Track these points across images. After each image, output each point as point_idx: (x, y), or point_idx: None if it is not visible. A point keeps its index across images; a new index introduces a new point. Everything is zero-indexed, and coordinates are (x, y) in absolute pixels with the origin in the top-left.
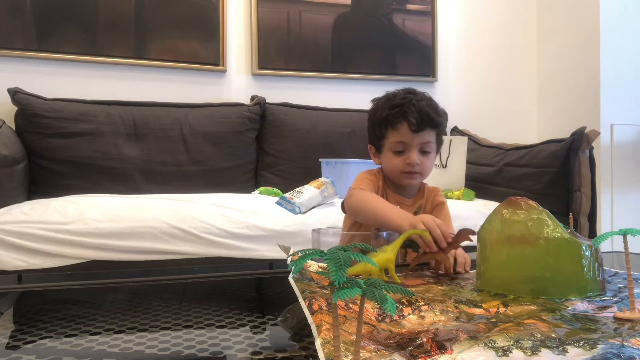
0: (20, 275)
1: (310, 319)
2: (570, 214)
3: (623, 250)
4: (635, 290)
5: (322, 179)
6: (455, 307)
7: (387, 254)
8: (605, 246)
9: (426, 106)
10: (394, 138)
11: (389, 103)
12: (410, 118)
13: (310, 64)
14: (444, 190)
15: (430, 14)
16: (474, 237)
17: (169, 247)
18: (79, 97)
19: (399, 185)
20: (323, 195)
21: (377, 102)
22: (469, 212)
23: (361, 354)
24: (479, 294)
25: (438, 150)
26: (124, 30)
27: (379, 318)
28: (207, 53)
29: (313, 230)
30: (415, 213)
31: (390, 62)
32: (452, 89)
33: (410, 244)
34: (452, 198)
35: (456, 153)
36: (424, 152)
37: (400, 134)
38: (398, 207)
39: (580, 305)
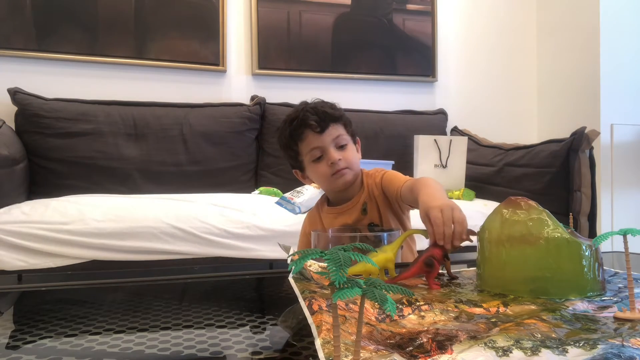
0: (20, 275)
1: (310, 319)
2: (570, 214)
3: (623, 250)
4: (635, 290)
5: None
6: (455, 307)
7: (387, 254)
8: (605, 246)
9: (320, 106)
10: (306, 148)
11: (287, 122)
12: (310, 122)
13: (310, 64)
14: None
15: (430, 14)
16: (474, 237)
17: (169, 247)
18: (79, 97)
19: (339, 193)
20: None
21: (279, 129)
22: (469, 212)
23: (361, 354)
24: (479, 294)
25: (355, 141)
26: (124, 30)
27: (379, 318)
28: (207, 53)
29: (313, 231)
30: (364, 209)
31: (390, 62)
32: (452, 89)
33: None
34: (452, 198)
35: (456, 153)
36: (340, 147)
37: (309, 141)
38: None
39: (580, 305)
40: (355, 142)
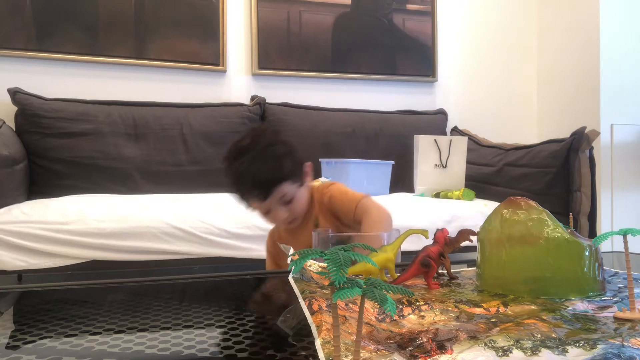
0: (20, 275)
1: (310, 319)
2: (570, 214)
3: (623, 250)
4: (635, 290)
5: (322, 179)
6: (455, 307)
7: (387, 254)
8: (605, 246)
9: (261, 171)
10: (253, 206)
11: (229, 177)
12: (252, 196)
13: (310, 64)
14: (443, 190)
15: (430, 14)
16: (474, 237)
17: (169, 247)
18: (79, 97)
19: None
20: None
21: (225, 162)
22: (469, 212)
23: (361, 354)
24: (479, 294)
25: (300, 180)
26: (124, 30)
27: (379, 318)
28: (207, 53)
29: (314, 231)
30: (316, 225)
31: (390, 62)
32: (452, 89)
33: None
34: (452, 198)
35: (456, 153)
36: (285, 202)
37: (255, 205)
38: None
39: (580, 305)
40: (301, 182)
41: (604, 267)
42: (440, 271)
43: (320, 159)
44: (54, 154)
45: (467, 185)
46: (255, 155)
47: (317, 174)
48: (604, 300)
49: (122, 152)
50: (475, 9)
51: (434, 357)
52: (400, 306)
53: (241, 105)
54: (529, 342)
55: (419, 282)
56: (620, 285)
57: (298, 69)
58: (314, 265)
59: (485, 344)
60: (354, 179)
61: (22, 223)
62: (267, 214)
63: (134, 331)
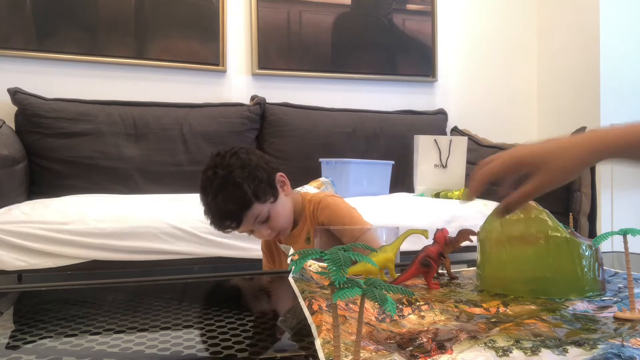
0: (20, 275)
1: (310, 319)
2: (570, 214)
3: (623, 250)
4: (635, 290)
5: (322, 179)
6: (455, 307)
7: (387, 254)
8: (605, 246)
9: (225, 202)
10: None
11: (204, 210)
12: (226, 227)
13: (310, 64)
14: (443, 190)
15: (430, 14)
16: (474, 237)
17: (169, 247)
18: (79, 97)
19: None
20: None
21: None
22: (469, 212)
23: (361, 354)
24: (479, 294)
25: (273, 195)
26: (124, 30)
27: (379, 318)
28: (207, 53)
29: (315, 228)
30: (308, 238)
31: (390, 62)
32: (452, 89)
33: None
34: (452, 198)
35: (456, 153)
36: (262, 221)
37: (235, 232)
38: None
39: (580, 305)
40: (274, 196)
41: (604, 267)
42: (440, 271)
43: (320, 159)
44: (54, 154)
45: (467, 186)
46: (216, 188)
47: (317, 174)
48: (604, 300)
49: (122, 152)
50: (475, 9)
51: (434, 357)
52: (400, 306)
53: (241, 105)
54: (529, 342)
55: (419, 282)
56: (620, 285)
57: (298, 69)
58: (314, 265)
59: (485, 344)
60: (354, 179)
61: (22, 223)
62: (251, 233)
63: (134, 331)
